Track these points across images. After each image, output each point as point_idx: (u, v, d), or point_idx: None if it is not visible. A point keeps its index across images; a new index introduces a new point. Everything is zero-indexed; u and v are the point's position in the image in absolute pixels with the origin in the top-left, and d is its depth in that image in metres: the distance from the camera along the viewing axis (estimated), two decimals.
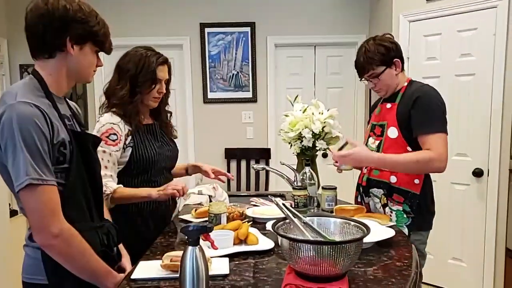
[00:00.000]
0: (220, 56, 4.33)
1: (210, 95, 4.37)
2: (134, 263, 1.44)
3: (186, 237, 1.04)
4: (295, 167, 2.29)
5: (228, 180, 4.36)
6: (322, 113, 2.20)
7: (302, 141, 2.20)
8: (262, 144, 4.42)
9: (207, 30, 4.29)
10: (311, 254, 1.14)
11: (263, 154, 4.37)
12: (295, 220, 1.31)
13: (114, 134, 1.75)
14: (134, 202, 1.79)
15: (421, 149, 1.82)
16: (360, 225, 1.30)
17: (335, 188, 2.04)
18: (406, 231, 1.87)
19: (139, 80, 1.78)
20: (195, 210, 1.94)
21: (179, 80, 4.30)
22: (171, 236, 1.71)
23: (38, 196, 1.14)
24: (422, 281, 1.92)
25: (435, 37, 3.21)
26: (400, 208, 1.89)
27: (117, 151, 1.75)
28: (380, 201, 1.96)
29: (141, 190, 1.76)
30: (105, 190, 1.67)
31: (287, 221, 1.33)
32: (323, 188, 2.05)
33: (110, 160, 1.74)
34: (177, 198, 1.84)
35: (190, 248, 1.03)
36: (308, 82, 4.44)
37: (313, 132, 2.16)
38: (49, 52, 1.23)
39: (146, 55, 1.80)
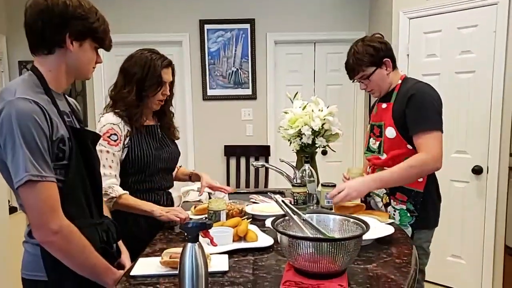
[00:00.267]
0: (220, 53, 4.32)
1: (210, 92, 4.36)
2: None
3: (186, 233, 1.04)
4: (294, 164, 2.29)
5: (228, 178, 4.38)
6: (322, 110, 2.20)
7: (301, 138, 2.20)
8: (261, 141, 4.42)
9: (206, 26, 4.28)
10: (311, 251, 1.14)
11: (263, 151, 4.37)
12: (295, 217, 1.31)
13: (115, 134, 1.76)
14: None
15: None
16: (360, 222, 1.30)
17: (335, 185, 2.03)
18: (409, 230, 1.85)
19: (145, 84, 1.79)
20: (195, 207, 1.94)
21: (178, 77, 4.21)
22: (170, 233, 1.71)
23: (38, 193, 1.14)
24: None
25: (435, 34, 3.21)
26: (404, 207, 1.88)
27: (118, 151, 1.77)
28: (382, 200, 1.95)
29: (145, 205, 1.76)
30: (110, 193, 1.69)
31: (287, 218, 1.33)
32: (322, 185, 2.05)
33: (114, 160, 1.75)
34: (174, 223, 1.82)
35: (189, 245, 1.03)
36: (308, 79, 4.43)
37: (312, 129, 2.16)
38: (49, 48, 1.23)
39: (151, 58, 1.81)
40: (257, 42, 4.31)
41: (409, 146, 1.85)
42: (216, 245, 1.33)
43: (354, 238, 1.17)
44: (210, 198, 2.20)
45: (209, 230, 1.16)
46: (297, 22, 4.30)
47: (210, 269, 1.17)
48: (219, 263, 1.32)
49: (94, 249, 1.27)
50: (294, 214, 1.32)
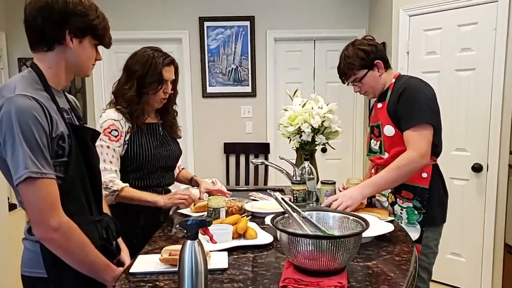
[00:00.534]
0: (219, 50, 4.32)
1: (209, 90, 4.36)
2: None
3: (185, 231, 1.04)
4: (294, 161, 2.29)
5: (227, 175, 4.38)
6: (322, 108, 2.20)
7: (301, 135, 2.20)
8: (261, 138, 4.42)
9: (206, 24, 4.27)
10: (310, 249, 1.14)
11: (262, 149, 4.37)
12: (294, 214, 1.31)
13: (116, 130, 1.78)
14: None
15: None
16: (359, 220, 1.30)
17: (334, 183, 2.03)
18: (418, 228, 1.85)
19: (146, 81, 1.80)
20: (194, 204, 1.94)
21: None
22: (169, 230, 1.71)
23: (37, 190, 1.14)
24: (420, 275, 1.92)
25: (435, 32, 3.20)
26: (411, 204, 1.88)
27: (119, 147, 1.78)
28: (388, 199, 1.95)
29: (148, 196, 1.79)
30: (111, 186, 1.71)
31: (286, 215, 1.33)
32: (322, 182, 2.05)
33: (114, 155, 1.76)
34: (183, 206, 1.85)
35: (189, 242, 1.03)
36: (308, 76, 4.43)
37: (312, 126, 2.16)
38: (48, 45, 1.23)
39: (153, 56, 1.82)
40: (257, 40, 4.30)
41: None
42: (215, 242, 1.33)
43: (354, 235, 1.17)
44: (209, 195, 2.21)
45: (208, 228, 1.16)
46: (297, 20, 4.29)
47: (209, 266, 1.17)
48: (219, 260, 1.32)
49: (94, 246, 1.27)
50: (294, 212, 1.32)
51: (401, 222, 1.86)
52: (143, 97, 1.82)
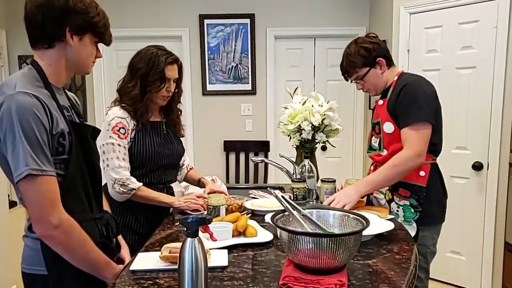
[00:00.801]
0: (219, 48, 4.31)
1: (209, 87, 4.35)
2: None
3: (185, 228, 1.04)
4: (294, 159, 2.29)
5: (227, 173, 4.38)
6: (322, 106, 2.20)
7: (301, 133, 2.20)
8: (261, 136, 4.42)
9: (206, 21, 4.26)
10: (310, 247, 1.14)
11: (262, 147, 4.37)
12: (294, 212, 1.31)
13: (123, 128, 1.80)
14: (133, 200, 1.82)
15: None
16: (360, 218, 1.30)
17: (334, 181, 2.03)
18: (414, 226, 1.85)
19: (149, 79, 1.82)
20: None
21: None
22: (170, 228, 1.71)
23: (38, 187, 1.14)
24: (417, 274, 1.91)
25: (436, 30, 3.20)
26: (407, 202, 1.88)
27: (127, 144, 1.81)
28: (385, 197, 1.95)
29: (164, 197, 1.85)
30: (128, 184, 1.75)
31: (286, 213, 1.33)
32: (322, 180, 2.05)
33: (125, 153, 1.80)
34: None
35: (189, 239, 1.03)
36: (308, 74, 4.42)
37: (312, 124, 2.16)
38: (48, 42, 1.23)
39: (156, 54, 1.83)
40: (257, 37, 4.29)
41: None
42: (215, 240, 1.33)
43: (354, 233, 1.16)
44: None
45: (208, 225, 1.15)
46: (297, 17, 4.28)
47: (209, 264, 1.17)
48: (219, 258, 1.32)
49: (94, 243, 1.27)
50: (294, 210, 1.32)
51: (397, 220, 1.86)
52: (147, 95, 1.83)
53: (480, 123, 3.00)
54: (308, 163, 2.15)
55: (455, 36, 3.09)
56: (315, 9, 4.27)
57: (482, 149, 3.01)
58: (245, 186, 2.80)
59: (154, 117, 1.93)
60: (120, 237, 1.54)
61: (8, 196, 2.92)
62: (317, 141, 2.21)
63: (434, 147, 1.87)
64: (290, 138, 2.28)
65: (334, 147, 2.41)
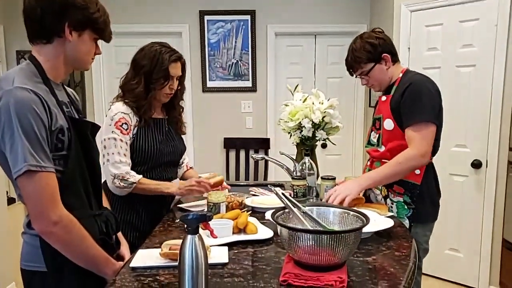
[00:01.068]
0: (220, 45, 4.30)
1: (209, 84, 4.35)
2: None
3: (186, 225, 1.04)
4: (294, 157, 2.29)
5: (227, 170, 4.38)
6: (322, 103, 2.19)
7: (301, 131, 2.20)
8: (261, 134, 4.41)
9: (206, 17, 4.25)
10: (310, 244, 1.14)
11: (262, 144, 4.37)
12: (295, 209, 1.31)
13: (126, 123, 1.80)
14: (135, 193, 1.81)
15: None
16: (359, 215, 1.30)
17: (334, 178, 2.03)
18: (407, 222, 1.86)
19: (153, 76, 1.82)
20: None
21: None
22: (170, 225, 1.71)
23: (36, 183, 1.13)
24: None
25: (436, 28, 3.19)
26: (401, 199, 1.89)
27: (129, 139, 1.81)
28: (381, 193, 1.96)
29: (164, 187, 1.84)
30: (128, 178, 1.75)
31: (287, 210, 1.33)
32: (322, 178, 2.05)
33: (127, 148, 1.80)
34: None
35: (189, 236, 1.03)
36: (308, 71, 4.41)
37: (313, 122, 2.15)
38: (47, 37, 1.22)
39: (160, 52, 1.83)
40: (258, 34, 4.28)
41: None
42: (216, 237, 1.33)
43: (354, 230, 1.16)
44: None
45: (209, 222, 1.15)
46: (298, 14, 4.27)
47: (210, 261, 1.17)
48: (219, 255, 1.32)
49: (94, 240, 1.26)
50: (294, 207, 1.31)
51: None
52: (151, 93, 1.84)
53: (480, 121, 3.00)
54: (308, 160, 2.15)
55: (456, 34, 3.08)
56: (316, 6, 4.26)
57: (481, 147, 3.01)
58: (245, 184, 2.80)
59: (157, 114, 1.93)
60: (120, 234, 1.53)
61: (7, 193, 2.91)
62: (317, 138, 2.21)
63: (433, 147, 1.87)
64: (291, 135, 2.28)
65: (334, 144, 2.40)
